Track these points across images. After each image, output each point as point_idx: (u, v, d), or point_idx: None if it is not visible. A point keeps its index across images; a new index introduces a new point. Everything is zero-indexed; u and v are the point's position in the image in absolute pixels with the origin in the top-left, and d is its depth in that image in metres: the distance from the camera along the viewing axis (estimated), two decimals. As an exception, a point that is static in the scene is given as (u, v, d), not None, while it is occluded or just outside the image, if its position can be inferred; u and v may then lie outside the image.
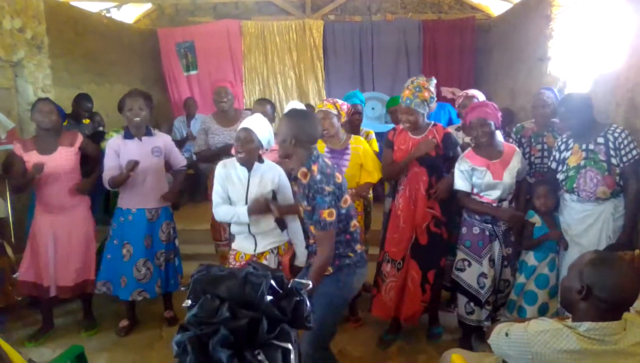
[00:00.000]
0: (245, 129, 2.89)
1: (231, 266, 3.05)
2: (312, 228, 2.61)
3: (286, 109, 4.05)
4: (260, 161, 3.02)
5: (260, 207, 2.90)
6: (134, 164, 3.42)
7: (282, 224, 3.10)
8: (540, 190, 3.33)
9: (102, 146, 4.05)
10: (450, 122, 4.73)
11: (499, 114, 3.30)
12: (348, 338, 3.67)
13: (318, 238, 2.51)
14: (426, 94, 3.28)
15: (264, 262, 3.00)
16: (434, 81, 3.39)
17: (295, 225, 3.12)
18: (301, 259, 3.08)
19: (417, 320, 3.53)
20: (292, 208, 3.06)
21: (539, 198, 3.32)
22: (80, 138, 3.66)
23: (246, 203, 2.96)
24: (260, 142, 2.93)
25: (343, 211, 2.53)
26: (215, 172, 3.04)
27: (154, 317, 4.00)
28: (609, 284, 1.66)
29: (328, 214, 2.44)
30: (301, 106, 3.97)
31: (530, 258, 3.30)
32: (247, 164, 2.96)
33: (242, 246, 3.09)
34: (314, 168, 2.49)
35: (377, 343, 3.64)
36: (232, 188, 3.01)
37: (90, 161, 3.75)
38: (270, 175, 3.01)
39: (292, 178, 2.67)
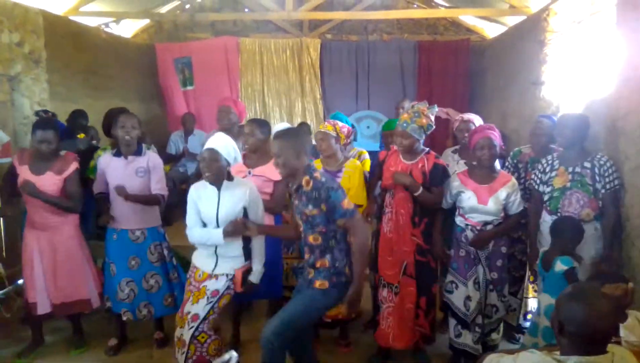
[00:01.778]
0: (210, 150, 2.94)
1: (191, 285, 3.12)
2: (311, 237, 2.75)
3: (274, 131, 4.04)
4: (230, 178, 3.05)
5: (237, 228, 2.93)
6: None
7: (248, 253, 3.14)
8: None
9: (91, 165, 4.07)
10: None
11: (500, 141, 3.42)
12: (338, 361, 3.65)
13: (349, 227, 2.70)
14: (424, 120, 3.30)
15: (213, 281, 3.05)
16: (435, 110, 3.43)
17: (259, 242, 3.16)
18: (256, 276, 3.14)
19: (413, 345, 3.47)
20: (270, 229, 3.17)
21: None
22: (70, 170, 3.53)
23: (217, 221, 3.00)
24: (227, 160, 2.98)
25: None
26: (188, 196, 3.09)
27: (145, 336, 3.94)
28: (577, 319, 1.66)
29: (347, 203, 2.67)
30: (286, 126, 4.03)
31: (545, 298, 3.07)
32: (216, 182, 2.99)
33: (202, 263, 3.14)
34: (316, 174, 2.72)
35: (368, 360, 3.61)
36: (203, 208, 3.04)
37: (69, 194, 3.57)
38: (241, 191, 3.04)
39: (294, 190, 2.80)
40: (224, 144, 2.97)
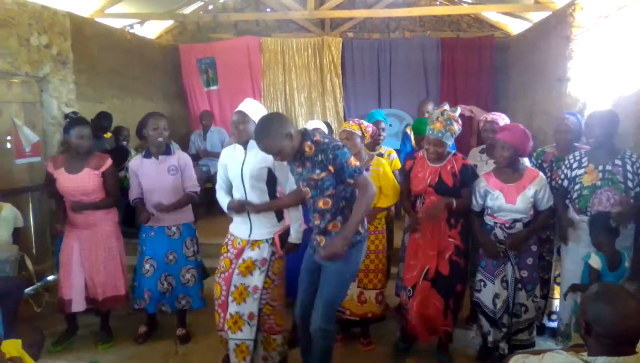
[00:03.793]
0: (239, 112, 3.10)
1: (229, 252, 3.20)
2: (321, 202, 2.75)
3: (308, 127, 4.11)
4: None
5: (235, 207, 3.06)
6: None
7: (279, 215, 3.21)
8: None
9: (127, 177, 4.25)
10: None
11: (530, 143, 3.32)
12: (360, 360, 3.65)
13: (358, 185, 2.68)
14: (456, 127, 3.32)
15: (257, 251, 3.10)
16: (459, 111, 3.43)
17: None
18: (295, 236, 3.18)
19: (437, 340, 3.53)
20: (272, 204, 3.14)
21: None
22: (107, 164, 3.70)
23: (242, 178, 3.10)
24: (254, 121, 3.03)
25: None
26: (219, 160, 3.29)
27: (171, 332, 3.98)
28: (605, 320, 1.63)
29: (354, 161, 2.67)
30: (322, 125, 4.07)
31: None
32: (243, 141, 3.13)
33: (238, 229, 3.21)
34: (317, 138, 2.72)
35: (394, 346, 3.70)
36: (230, 167, 3.19)
37: (108, 189, 3.74)
38: None
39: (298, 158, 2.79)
40: (253, 108, 3.13)
